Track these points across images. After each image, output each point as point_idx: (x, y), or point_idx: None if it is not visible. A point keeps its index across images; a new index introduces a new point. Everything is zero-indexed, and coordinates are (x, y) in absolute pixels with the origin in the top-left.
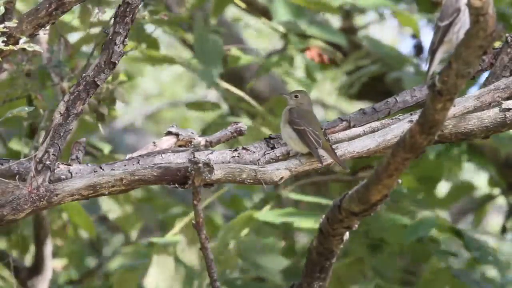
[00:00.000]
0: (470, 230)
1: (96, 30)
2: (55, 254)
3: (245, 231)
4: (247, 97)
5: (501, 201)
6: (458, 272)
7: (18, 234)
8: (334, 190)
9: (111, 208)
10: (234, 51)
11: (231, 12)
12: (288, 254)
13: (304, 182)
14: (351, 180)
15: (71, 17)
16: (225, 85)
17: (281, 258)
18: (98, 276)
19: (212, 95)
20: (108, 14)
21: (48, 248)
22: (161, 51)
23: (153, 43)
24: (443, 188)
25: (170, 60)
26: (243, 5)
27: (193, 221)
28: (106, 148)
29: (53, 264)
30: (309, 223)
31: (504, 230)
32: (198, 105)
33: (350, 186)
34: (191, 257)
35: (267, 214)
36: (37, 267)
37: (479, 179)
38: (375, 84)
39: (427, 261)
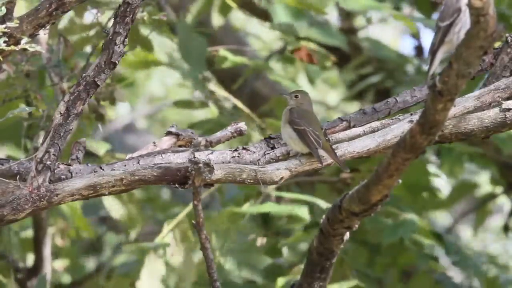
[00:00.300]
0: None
1: (94, 30)
2: (56, 255)
3: (224, 226)
4: (232, 98)
5: (501, 200)
6: (440, 276)
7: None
8: (320, 191)
9: (113, 207)
10: (222, 51)
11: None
12: (271, 252)
13: (289, 182)
14: (336, 181)
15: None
16: (212, 86)
17: (264, 256)
18: (100, 277)
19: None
20: (106, 14)
21: (47, 249)
22: (154, 51)
23: (147, 44)
24: (444, 189)
25: (156, 63)
26: (234, 4)
27: (193, 221)
28: (104, 148)
29: (55, 265)
30: (284, 210)
31: (506, 229)
32: (186, 104)
33: (335, 187)
34: (180, 259)
35: (248, 208)
36: (36, 268)
37: (479, 179)
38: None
39: (408, 264)
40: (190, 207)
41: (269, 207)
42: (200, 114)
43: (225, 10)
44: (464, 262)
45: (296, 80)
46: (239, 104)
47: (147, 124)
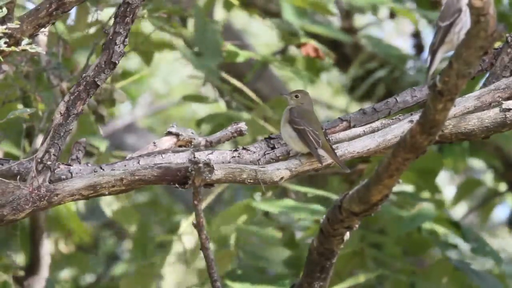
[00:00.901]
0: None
1: (94, 29)
2: (59, 262)
3: (242, 219)
4: (245, 88)
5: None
6: (458, 263)
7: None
8: (332, 183)
9: (109, 204)
10: (230, 47)
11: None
12: (289, 245)
13: (302, 175)
14: (349, 173)
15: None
16: (224, 77)
17: (282, 249)
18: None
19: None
20: (105, 13)
21: (44, 248)
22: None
23: (149, 43)
24: (448, 191)
25: (168, 46)
26: (236, 1)
27: (193, 221)
28: (103, 145)
29: (63, 275)
30: (301, 208)
31: (511, 225)
32: (195, 98)
33: (348, 179)
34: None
35: (265, 204)
36: (33, 267)
37: (483, 178)
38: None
39: (425, 253)
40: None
41: (291, 209)
42: (203, 112)
43: (227, 6)
44: (482, 249)
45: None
46: (252, 95)
47: (149, 123)
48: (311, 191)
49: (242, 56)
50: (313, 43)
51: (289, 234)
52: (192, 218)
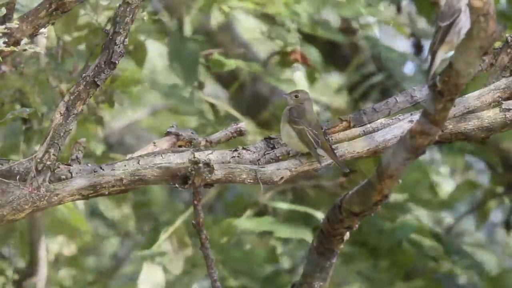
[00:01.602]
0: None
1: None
2: (61, 263)
3: (224, 240)
4: (226, 107)
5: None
6: (442, 276)
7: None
8: (317, 197)
9: (108, 207)
10: (216, 55)
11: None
12: (270, 260)
13: (284, 187)
14: (332, 186)
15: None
16: (206, 95)
17: (263, 265)
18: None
19: (209, 90)
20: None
21: (43, 249)
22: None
23: (140, 47)
24: (448, 187)
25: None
26: (228, 8)
27: (193, 221)
28: (99, 149)
29: (62, 274)
30: (288, 233)
31: (508, 226)
32: (181, 110)
33: (331, 192)
34: (177, 266)
35: (247, 222)
36: (32, 268)
37: (483, 179)
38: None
39: (408, 265)
40: (185, 213)
41: (270, 226)
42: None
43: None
44: (464, 261)
45: (294, 81)
46: (234, 113)
47: (147, 122)
48: (289, 207)
49: (229, 65)
50: (299, 51)
51: (271, 248)
52: (171, 229)
